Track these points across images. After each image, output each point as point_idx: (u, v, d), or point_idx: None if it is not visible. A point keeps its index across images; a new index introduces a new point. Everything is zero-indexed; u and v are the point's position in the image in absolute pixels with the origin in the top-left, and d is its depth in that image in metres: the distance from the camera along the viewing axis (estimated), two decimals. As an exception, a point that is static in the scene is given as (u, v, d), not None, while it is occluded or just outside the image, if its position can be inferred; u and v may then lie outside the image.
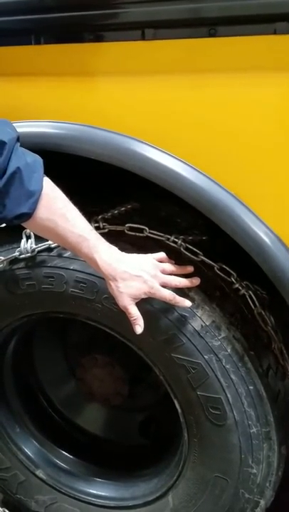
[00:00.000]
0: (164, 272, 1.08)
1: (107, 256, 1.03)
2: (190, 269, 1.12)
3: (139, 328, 1.06)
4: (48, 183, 1.00)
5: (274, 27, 0.88)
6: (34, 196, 0.97)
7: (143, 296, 1.05)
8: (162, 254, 1.11)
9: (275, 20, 0.88)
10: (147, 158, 1.03)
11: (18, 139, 1.00)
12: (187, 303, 1.08)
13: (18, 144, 1.00)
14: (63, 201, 1.01)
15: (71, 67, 1.09)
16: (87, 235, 1.02)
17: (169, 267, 1.10)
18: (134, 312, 1.05)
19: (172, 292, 1.07)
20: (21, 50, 1.11)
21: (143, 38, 0.98)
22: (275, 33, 0.89)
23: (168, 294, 1.06)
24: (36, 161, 1.00)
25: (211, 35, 0.93)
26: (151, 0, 0.96)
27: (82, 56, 1.07)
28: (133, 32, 0.99)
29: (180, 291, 1.11)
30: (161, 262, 1.10)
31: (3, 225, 1.17)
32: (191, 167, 1.01)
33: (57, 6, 1.05)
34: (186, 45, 0.96)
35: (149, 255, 1.09)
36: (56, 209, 1.00)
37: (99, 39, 1.03)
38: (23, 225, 1.04)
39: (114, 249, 1.05)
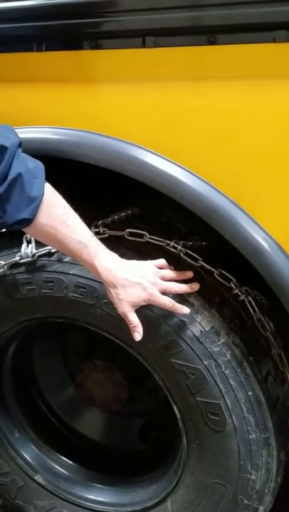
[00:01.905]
0: (163, 279, 1.08)
1: (108, 263, 1.03)
2: (189, 274, 1.12)
3: (138, 335, 1.06)
4: (49, 189, 1.00)
5: (273, 35, 0.89)
6: (35, 202, 0.97)
7: (143, 304, 1.06)
8: (162, 261, 1.11)
9: (275, 28, 0.89)
10: (146, 164, 1.04)
11: (20, 145, 1.00)
12: (186, 310, 1.08)
13: (20, 149, 1.00)
14: (64, 207, 1.01)
15: (72, 74, 1.10)
16: (88, 242, 1.02)
17: (169, 273, 1.10)
18: (134, 319, 1.05)
19: (171, 299, 1.07)
20: (23, 56, 1.12)
21: (144, 45, 0.99)
22: (274, 41, 0.89)
23: (167, 301, 1.06)
24: (38, 166, 1.00)
25: (211, 43, 0.93)
26: (152, 8, 0.97)
27: (83, 63, 1.08)
28: (134, 39, 1.00)
29: (179, 297, 1.11)
30: (161, 268, 1.10)
31: (4, 230, 1.18)
32: (190, 173, 1.02)
33: (58, 14, 1.06)
34: (186, 53, 0.97)
35: (149, 262, 1.09)
36: (57, 215, 1.00)
37: (100, 46, 1.04)
38: (24, 230, 1.04)
39: (114, 256, 1.05)
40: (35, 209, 0.98)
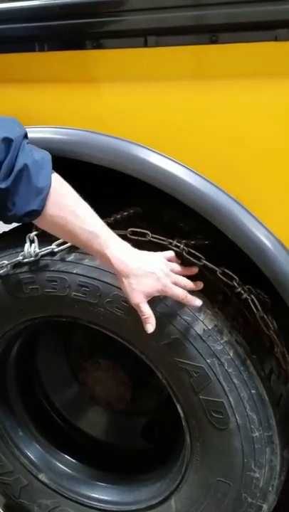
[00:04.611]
0: (172, 271, 1.07)
1: (119, 252, 1.01)
2: (195, 270, 1.12)
3: (150, 326, 1.04)
4: (56, 180, 0.99)
5: (275, 34, 0.89)
6: (43, 193, 0.97)
7: (156, 294, 1.04)
8: (171, 253, 1.10)
9: (276, 27, 0.89)
10: (149, 163, 1.04)
11: (25, 136, 0.99)
12: (198, 302, 1.07)
13: (26, 141, 0.99)
14: (73, 198, 1.00)
15: (75, 73, 1.10)
16: (98, 232, 1.01)
17: (177, 266, 1.09)
18: (146, 310, 1.04)
19: (184, 290, 1.06)
20: (25, 57, 1.12)
21: (145, 44, 0.99)
22: (276, 39, 0.89)
23: (181, 293, 1.05)
24: (44, 157, 0.99)
25: (213, 41, 0.93)
26: (154, 7, 0.97)
27: (85, 63, 1.08)
28: (136, 39, 1.00)
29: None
30: (170, 261, 1.09)
31: (9, 229, 1.18)
32: (192, 171, 1.02)
33: (60, 14, 1.06)
34: (188, 52, 0.97)
35: (159, 253, 1.08)
36: (66, 206, 0.99)
37: (102, 46, 1.04)
38: (34, 222, 1.03)
39: (126, 245, 1.04)
40: (43, 200, 0.97)
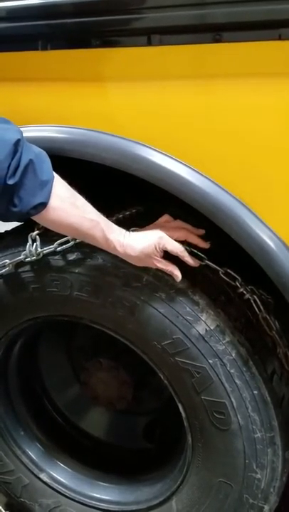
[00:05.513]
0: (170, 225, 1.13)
1: (120, 235, 1.06)
2: (202, 231, 1.14)
3: (177, 276, 1.09)
4: (55, 173, 1.01)
5: (279, 32, 0.89)
6: (47, 185, 0.99)
7: (156, 251, 1.07)
8: (165, 217, 1.16)
9: (280, 25, 0.88)
10: (152, 162, 1.04)
11: None
12: (196, 262, 1.11)
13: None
14: (69, 189, 1.03)
15: (77, 72, 1.10)
16: (98, 218, 1.05)
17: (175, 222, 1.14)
18: (165, 266, 1.08)
19: (182, 247, 1.09)
20: (28, 55, 1.12)
21: (149, 43, 0.99)
22: (280, 38, 0.89)
23: (178, 246, 1.09)
24: (41, 151, 1.02)
25: (216, 40, 0.93)
26: (157, 6, 0.97)
27: (88, 62, 1.07)
28: (139, 38, 0.99)
29: (184, 295, 1.11)
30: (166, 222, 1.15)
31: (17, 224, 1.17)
32: (196, 171, 1.02)
33: (63, 12, 1.06)
34: (192, 51, 0.97)
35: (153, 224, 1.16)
36: (65, 198, 1.01)
37: (105, 45, 1.04)
38: (37, 219, 1.03)
39: (122, 229, 1.09)
40: (49, 192, 0.99)
